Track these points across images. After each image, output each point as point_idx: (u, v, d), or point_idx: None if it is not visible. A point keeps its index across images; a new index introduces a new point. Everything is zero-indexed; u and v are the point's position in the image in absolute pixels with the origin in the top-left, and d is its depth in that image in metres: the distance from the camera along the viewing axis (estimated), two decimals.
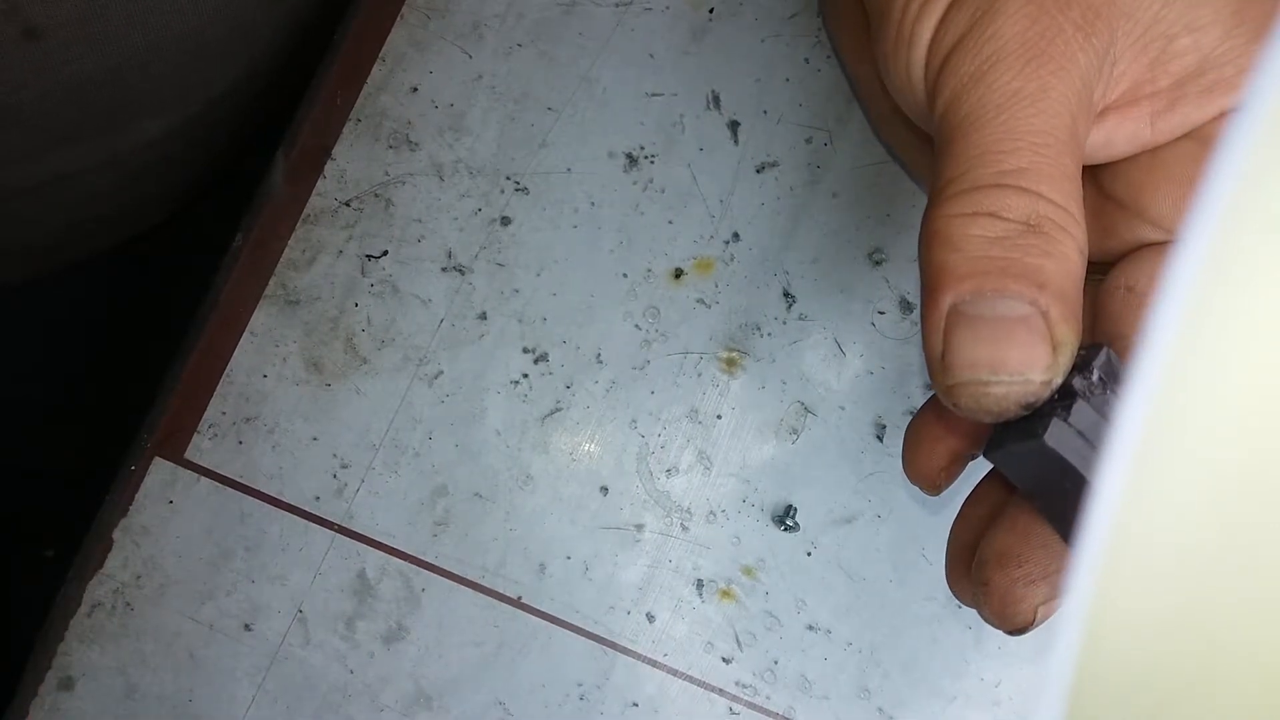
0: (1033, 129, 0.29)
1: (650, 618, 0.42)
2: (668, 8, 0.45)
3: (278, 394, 0.43)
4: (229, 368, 0.43)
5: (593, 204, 0.44)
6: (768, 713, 0.42)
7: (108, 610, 0.42)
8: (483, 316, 0.43)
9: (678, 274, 0.44)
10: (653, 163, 0.44)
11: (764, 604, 0.42)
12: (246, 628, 0.42)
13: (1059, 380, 0.29)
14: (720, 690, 0.42)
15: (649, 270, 0.44)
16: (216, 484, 0.42)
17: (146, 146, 0.50)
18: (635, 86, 0.45)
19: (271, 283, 0.43)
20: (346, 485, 0.42)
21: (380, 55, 0.44)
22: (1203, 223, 0.15)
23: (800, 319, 0.44)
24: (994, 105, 0.30)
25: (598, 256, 0.44)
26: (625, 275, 0.44)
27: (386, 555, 0.42)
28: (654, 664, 0.42)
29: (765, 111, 0.44)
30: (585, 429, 0.43)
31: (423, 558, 0.42)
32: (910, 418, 0.43)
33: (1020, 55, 0.30)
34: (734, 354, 0.43)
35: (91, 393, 0.63)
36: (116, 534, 0.42)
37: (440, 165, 0.44)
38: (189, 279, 0.46)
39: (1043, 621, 0.32)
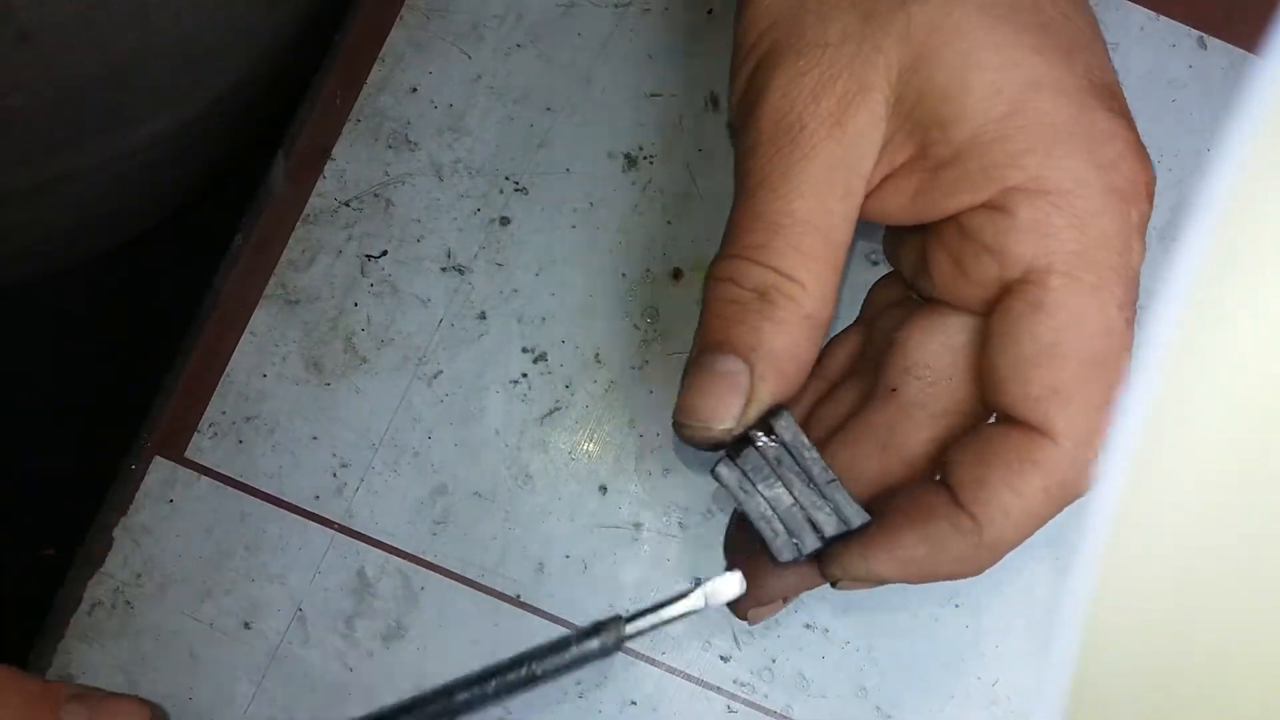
0: (773, 210, 0.34)
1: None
2: (667, 8, 0.45)
3: (278, 393, 0.43)
4: (229, 367, 0.43)
5: (592, 204, 0.44)
6: (765, 711, 0.42)
7: (108, 609, 0.42)
8: (482, 316, 0.43)
9: (676, 274, 0.44)
10: (652, 163, 0.44)
11: None
12: (246, 626, 0.42)
13: (739, 429, 0.34)
14: (718, 688, 0.42)
15: (648, 270, 0.44)
16: (216, 483, 0.42)
17: (146, 148, 0.50)
18: (634, 87, 0.45)
19: (271, 282, 0.43)
20: (346, 484, 0.42)
21: (380, 56, 0.45)
22: (1203, 222, 0.15)
23: None
24: (748, 186, 0.34)
25: (597, 256, 0.44)
26: (624, 275, 0.44)
27: (386, 554, 0.42)
28: (652, 662, 0.42)
29: None
30: (584, 428, 0.43)
31: (422, 556, 0.42)
32: None
33: (771, 143, 0.34)
34: None
35: (92, 392, 0.63)
36: (117, 533, 0.42)
37: (440, 165, 0.44)
38: (189, 279, 0.46)
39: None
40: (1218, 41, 0.46)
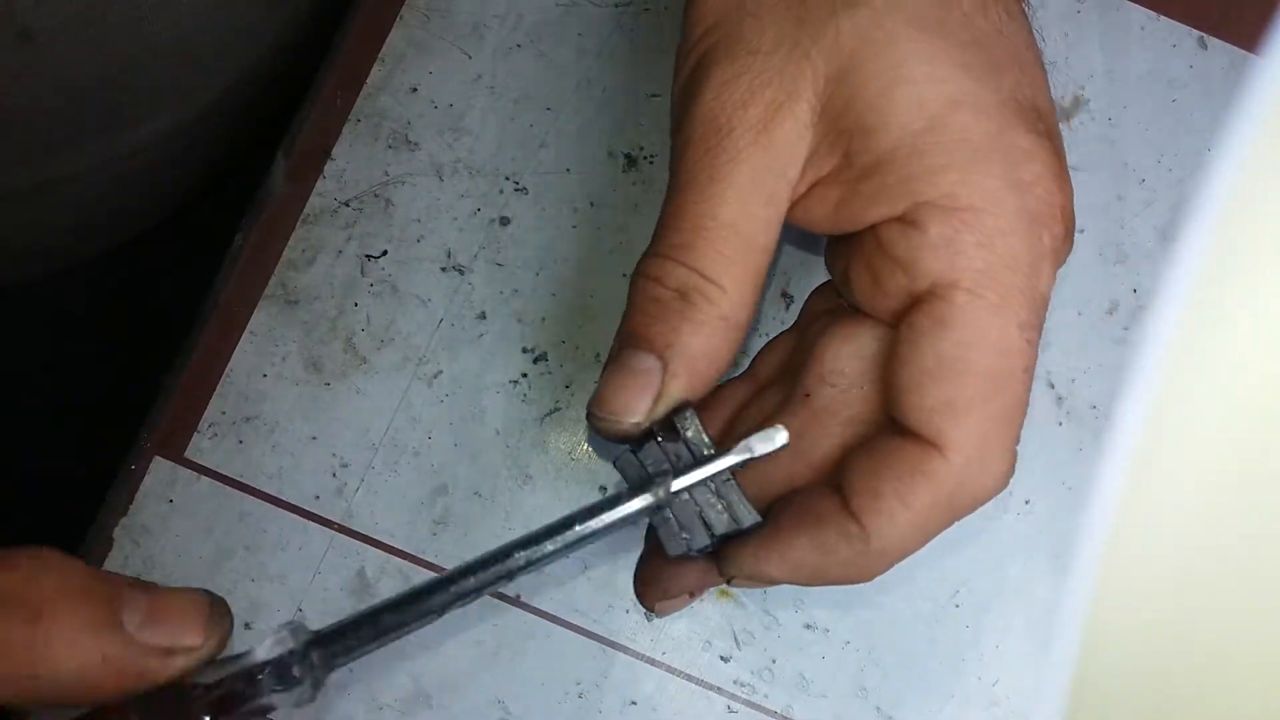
0: (697, 211, 0.34)
1: (649, 616, 0.42)
2: (667, 8, 0.45)
3: (277, 393, 0.43)
4: (229, 367, 0.43)
5: (592, 204, 0.44)
6: (766, 711, 0.42)
7: None
8: (482, 316, 0.43)
9: None
10: (652, 163, 0.44)
11: (762, 602, 0.42)
12: (247, 626, 0.42)
13: (646, 424, 0.35)
14: (719, 689, 0.42)
15: None
16: (216, 483, 0.42)
17: (146, 148, 0.50)
18: (634, 87, 0.45)
19: (271, 283, 0.43)
20: (346, 484, 0.42)
21: (380, 56, 0.45)
22: (1203, 222, 0.15)
23: None
24: (677, 185, 0.35)
25: (597, 256, 0.44)
26: (624, 275, 0.44)
27: (386, 554, 0.42)
28: (652, 662, 0.42)
29: None
30: (584, 428, 0.43)
31: (422, 556, 0.42)
32: None
33: (701, 144, 0.35)
34: None
35: (92, 392, 0.63)
36: (117, 533, 0.42)
37: (440, 165, 0.44)
38: (189, 279, 0.46)
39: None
40: (1218, 41, 0.46)
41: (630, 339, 0.35)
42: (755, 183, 0.34)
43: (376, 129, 0.44)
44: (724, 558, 0.36)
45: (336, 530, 0.42)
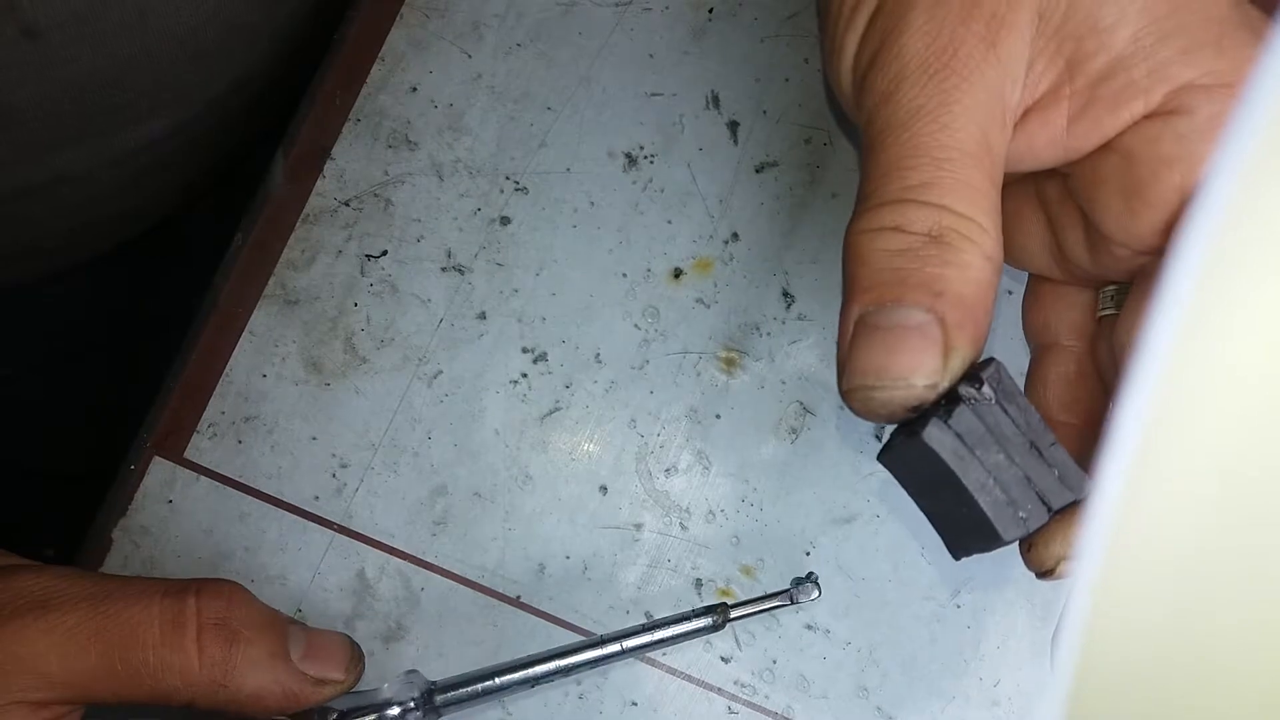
0: (936, 143, 0.30)
1: (649, 617, 0.42)
2: (667, 8, 0.45)
3: (277, 394, 0.43)
4: (228, 367, 0.43)
5: (592, 204, 0.44)
6: (766, 712, 0.42)
7: None
8: (482, 316, 0.43)
9: (677, 274, 0.44)
10: (652, 162, 0.44)
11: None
12: None
13: (945, 384, 0.30)
14: (719, 689, 0.42)
15: (648, 270, 0.44)
16: (216, 483, 0.42)
17: (147, 147, 0.50)
18: (635, 86, 0.45)
19: (271, 282, 0.43)
20: (346, 485, 0.42)
21: (379, 55, 0.44)
22: (1201, 223, 0.15)
23: (800, 319, 0.44)
24: (898, 122, 0.31)
25: (597, 256, 0.44)
26: (624, 275, 0.44)
27: (386, 555, 0.42)
28: (653, 663, 0.42)
29: (765, 111, 0.45)
30: (584, 428, 0.43)
31: (422, 557, 0.42)
32: None
33: (923, 71, 0.31)
34: (733, 354, 0.43)
35: (91, 392, 0.63)
36: (116, 533, 0.42)
37: (440, 165, 0.44)
38: (189, 279, 0.46)
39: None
40: None
41: (879, 299, 0.30)
42: (990, 105, 0.31)
43: (376, 128, 0.44)
44: (1056, 538, 0.31)
45: (336, 531, 0.42)
